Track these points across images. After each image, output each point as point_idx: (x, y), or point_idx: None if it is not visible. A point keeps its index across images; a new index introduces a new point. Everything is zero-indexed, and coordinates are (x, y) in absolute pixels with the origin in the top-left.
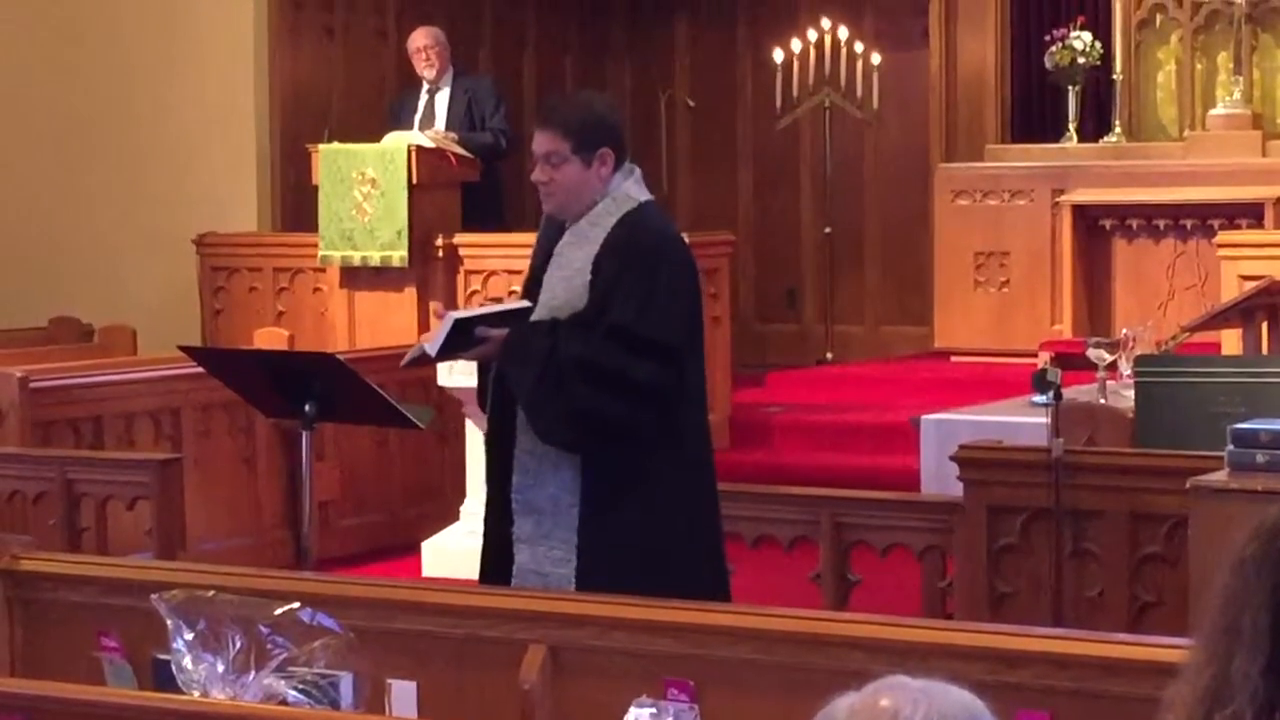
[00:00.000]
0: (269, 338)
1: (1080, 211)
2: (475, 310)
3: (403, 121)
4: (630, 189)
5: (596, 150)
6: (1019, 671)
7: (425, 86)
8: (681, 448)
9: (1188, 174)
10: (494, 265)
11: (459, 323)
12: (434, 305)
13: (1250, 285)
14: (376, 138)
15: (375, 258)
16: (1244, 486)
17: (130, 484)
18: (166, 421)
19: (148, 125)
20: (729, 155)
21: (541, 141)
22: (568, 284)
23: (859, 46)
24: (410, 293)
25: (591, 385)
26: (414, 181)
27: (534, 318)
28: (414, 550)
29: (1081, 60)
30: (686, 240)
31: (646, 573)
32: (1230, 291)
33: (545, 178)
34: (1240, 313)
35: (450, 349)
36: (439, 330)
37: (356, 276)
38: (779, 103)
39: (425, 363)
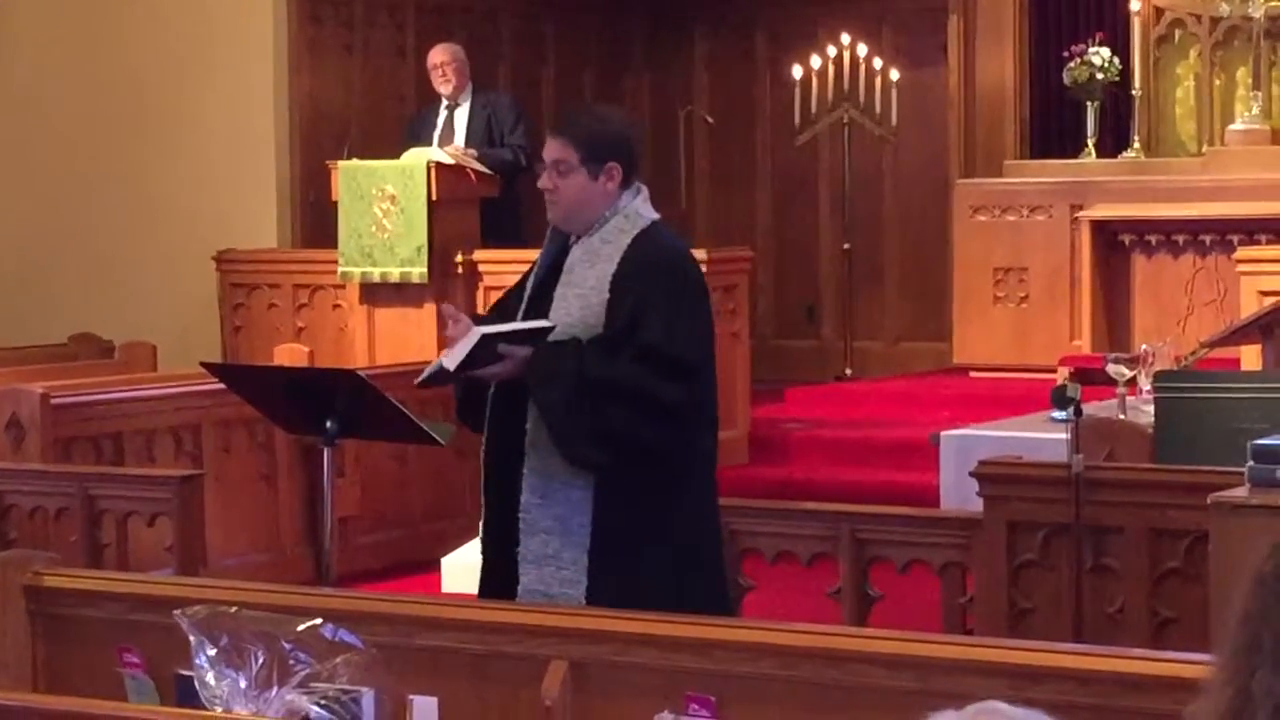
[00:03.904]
0: (289, 354)
1: (1099, 227)
2: (500, 326)
3: (422, 138)
4: (640, 208)
5: (605, 164)
6: (1039, 687)
7: (444, 103)
8: (693, 471)
9: (1207, 189)
10: (513, 281)
11: (483, 338)
12: (445, 307)
13: (1270, 300)
14: (396, 154)
15: (395, 274)
16: (1264, 502)
17: (151, 500)
18: (187, 438)
19: (168, 142)
20: (748, 171)
21: (551, 149)
22: (583, 302)
23: (878, 63)
24: (430, 309)
25: (624, 407)
26: (433, 198)
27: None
28: (434, 566)
29: (1100, 76)
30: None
31: (656, 599)
32: (1250, 307)
33: (551, 185)
34: (1260, 328)
35: (469, 365)
36: (461, 345)
37: (376, 293)
38: (798, 119)
39: (443, 381)
